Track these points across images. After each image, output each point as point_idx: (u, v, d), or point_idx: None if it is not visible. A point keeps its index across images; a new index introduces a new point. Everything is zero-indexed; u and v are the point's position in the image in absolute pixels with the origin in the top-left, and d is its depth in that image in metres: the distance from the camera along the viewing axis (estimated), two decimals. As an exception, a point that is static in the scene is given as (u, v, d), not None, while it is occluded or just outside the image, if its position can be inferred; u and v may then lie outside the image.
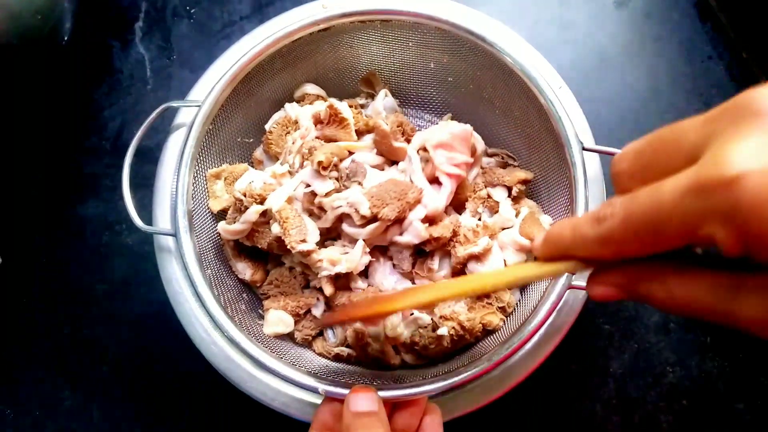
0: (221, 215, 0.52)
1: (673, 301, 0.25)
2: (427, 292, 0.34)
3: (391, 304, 0.35)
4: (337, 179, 0.49)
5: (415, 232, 0.47)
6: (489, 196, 0.52)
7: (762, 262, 0.20)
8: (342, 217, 0.48)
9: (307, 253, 0.46)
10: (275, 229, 0.46)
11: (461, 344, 0.47)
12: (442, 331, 0.46)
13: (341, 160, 0.49)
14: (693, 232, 0.21)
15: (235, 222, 0.48)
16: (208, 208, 0.51)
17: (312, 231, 0.47)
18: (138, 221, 0.46)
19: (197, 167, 0.50)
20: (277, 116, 0.56)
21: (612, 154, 0.46)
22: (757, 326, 0.22)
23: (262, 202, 0.47)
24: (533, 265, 0.31)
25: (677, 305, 0.25)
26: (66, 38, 0.63)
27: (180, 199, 0.47)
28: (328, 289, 0.48)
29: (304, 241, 0.46)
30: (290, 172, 0.51)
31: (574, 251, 0.28)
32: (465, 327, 0.45)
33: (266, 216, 0.48)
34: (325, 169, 0.47)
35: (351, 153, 0.51)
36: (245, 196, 0.47)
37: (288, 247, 0.46)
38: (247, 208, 0.47)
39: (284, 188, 0.48)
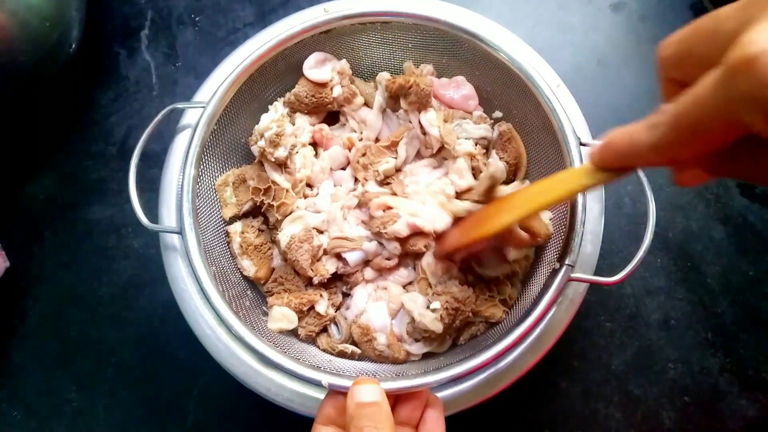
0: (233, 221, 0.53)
1: (750, 174, 0.26)
2: (512, 212, 0.38)
3: (487, 227, 0.40)
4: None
5: None
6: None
7: None
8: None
9: None
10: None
11: (463, 322, 0.48)
12: (435, 305, 0.46)
13: None
14: (735, 124, 0.21)
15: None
16: (213, 206, 0.52)
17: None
18: (144, 219, 0.47)
19: (203, 166, 0.50)
20: (267, 117, 0.56)
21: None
22: None
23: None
24: (588, 174, 0.31)
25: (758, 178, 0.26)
26: (74, 46, 0.64)
27: (185, 196, 0.48)
28: None
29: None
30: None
31: (632, 160, 0.27)
32: (458, 299, 0.46)
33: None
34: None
35: None
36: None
37: None
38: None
39: None
